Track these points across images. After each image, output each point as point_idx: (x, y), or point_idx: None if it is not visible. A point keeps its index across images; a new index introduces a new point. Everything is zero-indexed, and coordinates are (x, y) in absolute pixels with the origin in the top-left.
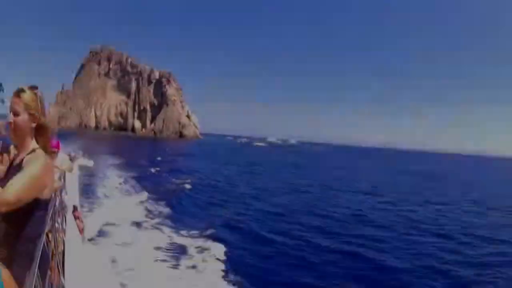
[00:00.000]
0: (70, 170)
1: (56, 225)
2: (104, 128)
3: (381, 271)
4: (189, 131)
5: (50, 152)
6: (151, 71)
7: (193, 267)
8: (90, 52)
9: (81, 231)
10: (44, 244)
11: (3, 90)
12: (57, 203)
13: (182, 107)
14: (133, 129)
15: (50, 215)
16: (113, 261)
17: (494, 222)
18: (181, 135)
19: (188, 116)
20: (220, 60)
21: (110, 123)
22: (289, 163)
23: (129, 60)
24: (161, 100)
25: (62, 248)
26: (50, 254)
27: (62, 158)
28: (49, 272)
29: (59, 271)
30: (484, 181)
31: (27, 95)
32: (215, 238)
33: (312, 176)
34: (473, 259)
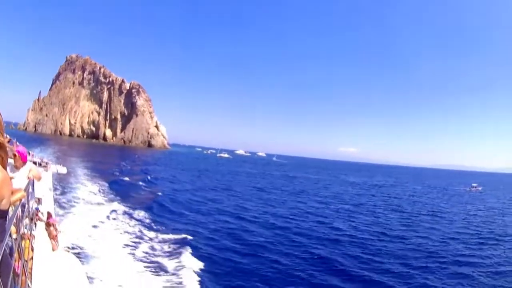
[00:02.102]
0: (39, 178)
1: (24, 232)
2: (78, 136)
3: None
4: (157, 141)
5: (16, 165)
6: (122, 81)
7: (166, 272)
8: (66, 60)
9: (55, 238)
10: (5, 252)
11: None
12: (24, 211)
13: (151, 117)
14: (104, 138)
15: (13, 223)
16: (85, 268)
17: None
18: (149, 144)
19: (156, 127)
20: (199, 75)
21: (83, 131)
22: (240, 171)
23: (102, 70)
24: (131, 110)
25: (31, 254)
26: (14, 261)
27: (29, 167)
28: (16, 278)
29: (26, 277)
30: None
31: None
32: (185, 244)
33: (244, 181)
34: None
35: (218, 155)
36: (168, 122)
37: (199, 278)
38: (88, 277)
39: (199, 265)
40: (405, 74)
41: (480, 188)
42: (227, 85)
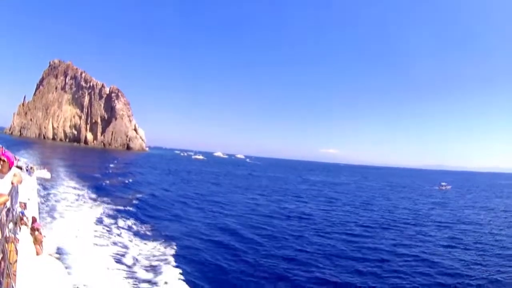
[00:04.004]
0: (20, 182)
1: (8, 235)
2: (61, 139)
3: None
4: (135, 144)
5: (3, 171)
6: (103, 86)
7: (150, 276)
8: (49, 65)
9: (40, 243)
10: None
11: None
12: (8, 215)
13: (130, 121)
14: (85, 141)
15: None
16: (70, 273)
17: None
18: (128, 147)
19: (135, 130)
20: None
21: (65, 134)
22: (207, 171)
23: (83, 75)
24: (111, 114)
25: (16, 258)
26: None
27: (13, 171)
28: (0, 279)
29: (10, 278)
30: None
31: None
32: (170, 245)
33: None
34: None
35: (193, 157)
36: (152, 126)
37: (182, 278)
38: (72, 283)
39: (181, 263)
40: (389, 74)
41: (449, 187)
42: (210, 89)
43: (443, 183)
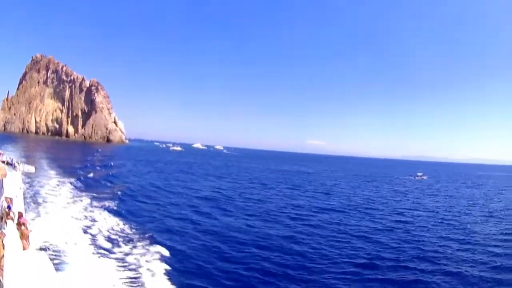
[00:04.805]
0: (4, 175)
1: None
2: (43, 133)
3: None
4: (115, 136)
5: None
6: (83, 79)
7: (137, 272)
8: (32, 60)
9: (27, 237)
10: None
11: None
12: None
13: (110, 113)
14: (67, 134)
15: None
16: (56, 267)
17: None
18: (108, 140)
19: (115, 122)
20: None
21: (47, 128)
22: (182, 161)
23: (64, 69)
24: (91, 107)
25: (2, 252)
26: None
27: None
28: None
29: None
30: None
31: None
32: (156, 241)
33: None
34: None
35: (171, 148)
36: (135, 118)
37: (167, 272)
38: (59, 277)
39: (166, 255)
40: (376, 64)
41: (425, 177)
42: (192, 82)
43: (419, 173)
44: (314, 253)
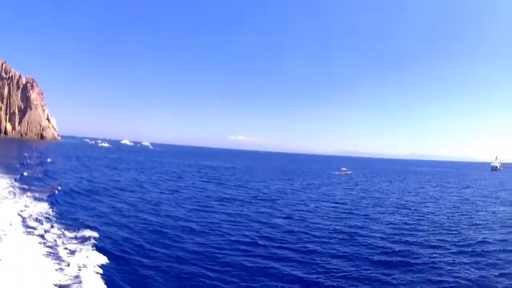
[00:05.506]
0: None
1: None
2: None
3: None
4: (48, 133)
5: None
6: (20, 76)
7: (71, 269)
8: None
9: None
10: None
11: None
12: None
13: (43, 110)
14: (5, 132)
15: None
16: None
17: None
18: (42, 137)
19: (48, 119)
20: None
21: None
22: (110, 157)
23: (4, 66)
24: (26, 104)
25: None
26: None
27: None
28: None
29: None
30: None
31: None
32: (92, 238)
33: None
34: None
35: (99, 144)
36: (67, 114)
37: (104, 273)
38: None
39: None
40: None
41: (350, 172)
42: (120, 76)
43: (343, 168)
44: (204, 234)
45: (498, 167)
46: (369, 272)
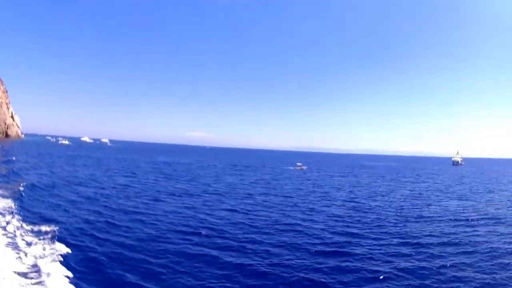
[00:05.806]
0: None
1: None
2: None
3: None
4: (12, 131)
5: None
6: None
7: (39, 271)
8: None
9: None
10: None
11: None
12: None
13: (8, 108)
14: None
15: None
16: None
17: None
18: (6, 135)
19: (12, 117)
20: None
21: None
22: (70, 155)
23: None
24: None
25: None
26: None
27: None
28: None
29: None
30: None
31: None
32: (59, 237)
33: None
34: None
35: (59, 142)
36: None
37: (62, 261)
38: None
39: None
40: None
41: (305, 167)
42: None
43: (299, 164)
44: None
45: (459, 161)
46: (303, 260)
